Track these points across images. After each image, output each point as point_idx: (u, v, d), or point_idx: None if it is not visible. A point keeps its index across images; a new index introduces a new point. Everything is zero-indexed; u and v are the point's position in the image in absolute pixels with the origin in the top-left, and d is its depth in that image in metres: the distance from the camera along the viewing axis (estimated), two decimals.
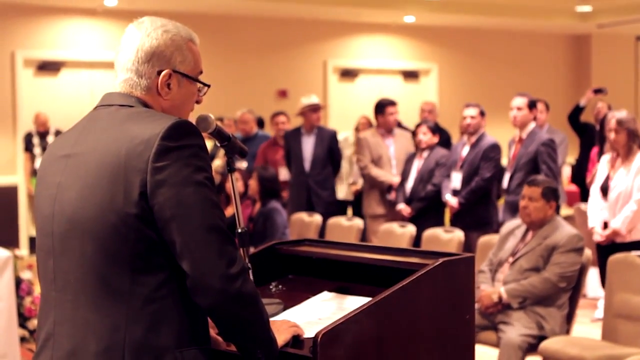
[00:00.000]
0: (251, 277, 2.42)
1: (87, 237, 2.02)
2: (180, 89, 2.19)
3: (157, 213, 1.98)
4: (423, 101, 10.04)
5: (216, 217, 2.01)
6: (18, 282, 5.99)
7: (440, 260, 2.42)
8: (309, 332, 2.22)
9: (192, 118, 2.36)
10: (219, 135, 2.40)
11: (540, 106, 8.19)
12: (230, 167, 2.45)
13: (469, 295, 2.53)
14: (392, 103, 8.10)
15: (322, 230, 7.51)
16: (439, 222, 7.34)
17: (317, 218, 7.54)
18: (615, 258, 5.00)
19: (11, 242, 8.93)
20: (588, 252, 5.09)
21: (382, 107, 8.04)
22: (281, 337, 2.16)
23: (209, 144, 9.92)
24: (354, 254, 2.77)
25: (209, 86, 2.27)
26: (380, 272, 2.64)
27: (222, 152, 2.48)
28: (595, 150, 7.84)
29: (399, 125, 8.54)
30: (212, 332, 2.25)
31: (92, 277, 2.02)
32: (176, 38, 2.18)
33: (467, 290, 2.52)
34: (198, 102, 2.27)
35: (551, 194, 5.14)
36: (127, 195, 1.98)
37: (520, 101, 6.85)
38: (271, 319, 2.22)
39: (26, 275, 6.12)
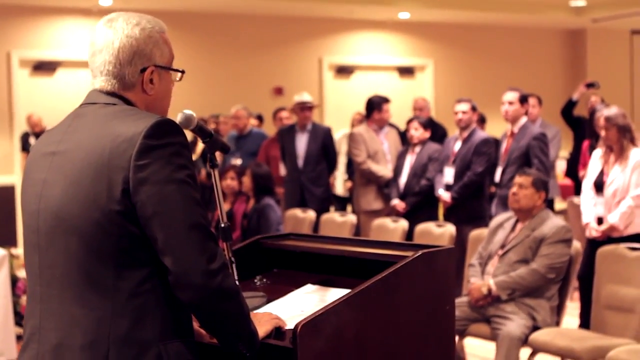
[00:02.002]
0: (235, 270, 2.47)
1: (71, 233, 2.06)
2: (161, 81, 2.22)
3: (139, 210, 2.02)
4: (414, 98, 10.06)
5: (197, 215, 2.05)
6: (14, 280, 6.04)
7: (420, 252, 2.46)
8: (291, 324, 2.26)
9: (175, 115, 2.40)
10: (201, 131, 2.44)
11: (532, 101, 8.22)
12: (212, 163, 2.50)
13: (449, 286, 2.57)
14: (387, 100, 8.15)
15: (316, 225, 7.55)
16: (433, 217, 7.37)
17: (311, 214, 7.57)
18: (604, 250, 5.04)
19: (8, 241, 8.97)
20: (577, 244, 5.13)
21: (379, 104, 8.06)
22: (262, 329, 2.20)
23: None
24: (337, 247, 2.81)
25: (183, 72, 2.29)
26: (364, 265, 2.68)
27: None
28: (586, 143, 7.87)
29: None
30: (196, 324, 2.30)
31: (77, 272, 2.06)
32: (153, 34, 2.21)
33: (447, 281, 2.56)
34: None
35: (541, 184, 5.21)
36: (110, 192, 2.02)
37: (511, 96, 6.88)
38: (254, 312, 2.27)
39: (22, 273, 6.15)
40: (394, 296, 2.37)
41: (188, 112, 2.39)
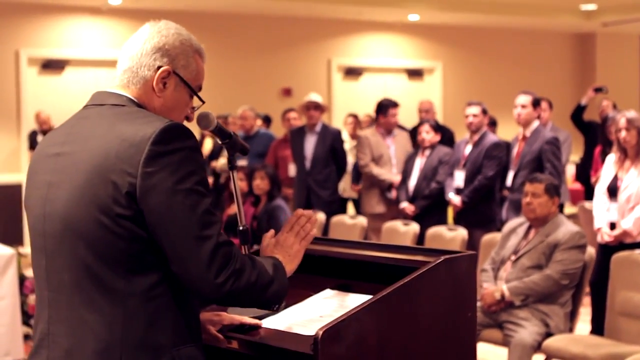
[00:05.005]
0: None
1: (79, 238, 2.01)
2: (174, 92, 2.17)
3: (147, 216, 1.98)
4: (420, 100, 10.01)
5: (205, 225, 2.00)
6: (22, 279, 6.01)
7: (442, 257, 2.41)
8: (310, 330, 2.22)
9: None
10: (220, 132, 2.40)
11: (543, 104, 8.17)
12: (231, 165, 2.46)
13: (471, 293, 2.53)
14: (394, 104, 8.12)
15: (326, 228, 7.51)
16: (443, 220, 7.34)
17: (321, 216, 7.53)
18: (619, 256, 4.99)
19: (16, 239, 8.95)
20: (591, 250, 5.09)
21: (385, 107, 8.05)
22: (290, 267, 2.31)
23: (210, 142, 9.90)
24: (356, 251, 2.77)
25: (203, 102, 2.26)
26: (383, 270, 2.63)
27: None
28: (598, 149, 7.82)
29: (398, 125, 8.53)
30: (213, 330, 2.27)
31: (86, 276, 2.01)
32: (185, 43, 2.17)
33: (469, 287, 2.52)
34: (188, 119, 2.25)
35: (554, 190, 5.15)
36: (117, 197, 1.97)
37: (524, 99, 6.83)
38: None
39: (30, 273, 6.11)
40: (416, 303, 2.32)
41: (207, 112, 2.34)
